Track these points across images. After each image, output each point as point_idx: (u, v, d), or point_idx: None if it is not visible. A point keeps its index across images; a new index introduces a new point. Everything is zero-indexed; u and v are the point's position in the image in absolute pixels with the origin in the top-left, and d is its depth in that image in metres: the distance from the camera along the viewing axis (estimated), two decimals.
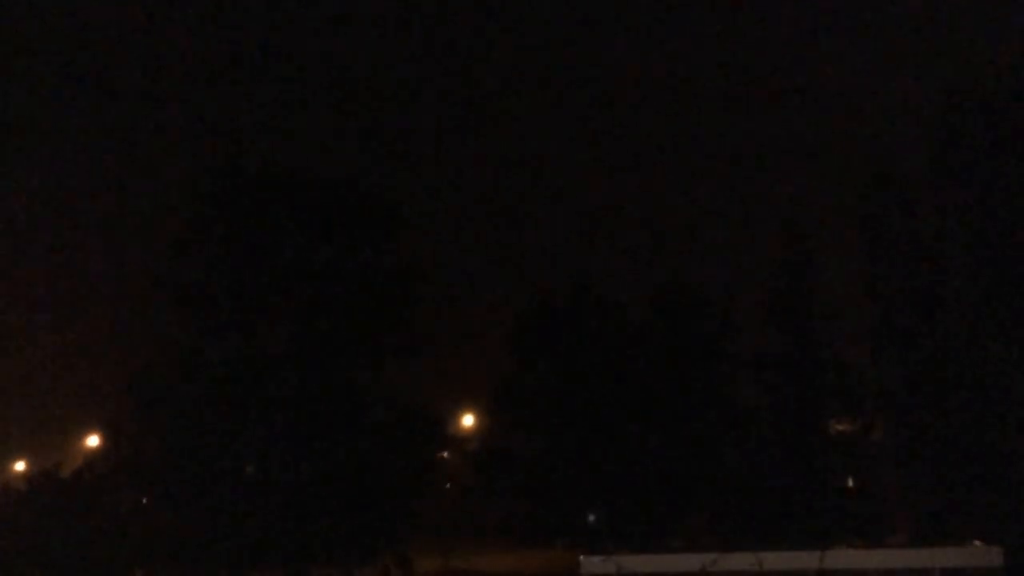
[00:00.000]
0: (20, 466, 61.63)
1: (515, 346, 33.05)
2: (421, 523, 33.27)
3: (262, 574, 30.79)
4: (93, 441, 51.55)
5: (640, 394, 30.91)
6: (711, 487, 29.60)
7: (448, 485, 41.47)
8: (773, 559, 18.88)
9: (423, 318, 32.85)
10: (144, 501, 30.65)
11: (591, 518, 30.18)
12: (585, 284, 33.77)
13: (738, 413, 31.28)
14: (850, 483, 30.78)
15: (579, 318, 32.61)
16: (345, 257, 31.79)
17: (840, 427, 30.98)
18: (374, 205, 32.62)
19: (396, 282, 32.04)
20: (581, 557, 19.37)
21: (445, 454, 36.99)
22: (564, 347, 31.99)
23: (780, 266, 31.23)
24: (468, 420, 47.13)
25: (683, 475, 29.82)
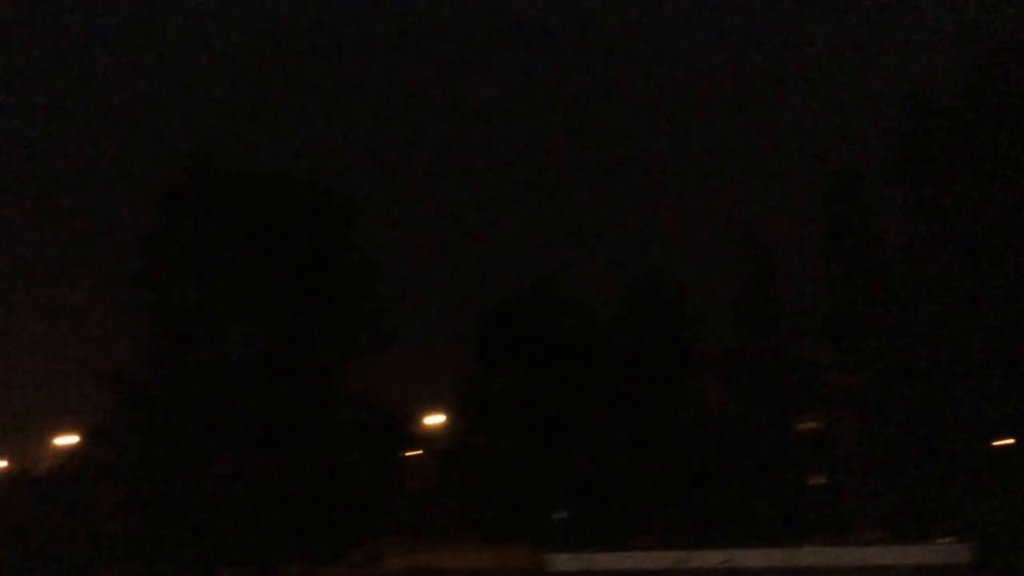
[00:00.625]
0: (1, 464, 60.95)
1: (480, 345, 33.20)
2: (389, 521, 33.40)
3: (234, 571, 30.77)
4: (69, 440, 51.08)
5: (607, 392, 31.14)
6: (679, 485, 29.83)
7: (413, 484, 41.53)
8: (743, 556, 19.01)
9: (387, 315, 33.00)
10: (118, 499, 30.47)
11: (558, 515, 30.31)
12: (550, 283, 33.97)
13: (705, 411, 31.62)
14: (818, 480, 31.16)
15: (545, 317, 32.76)
16: (306, 253, 31.88)
17: (806, 425, 31.36)
18: (332, 202, 32.78)
19: (356, 275, 32.19)
20: (545, 555, 19.39)
21: (412, 453, 37.08)
22: (530, 345, 32.14)
23: (744, 266, 31.62)
24: (436, 419, 47.15)
25: (651, 473, 30.02)
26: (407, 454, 36.14)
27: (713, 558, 18.32)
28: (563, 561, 18.04)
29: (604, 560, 18.23)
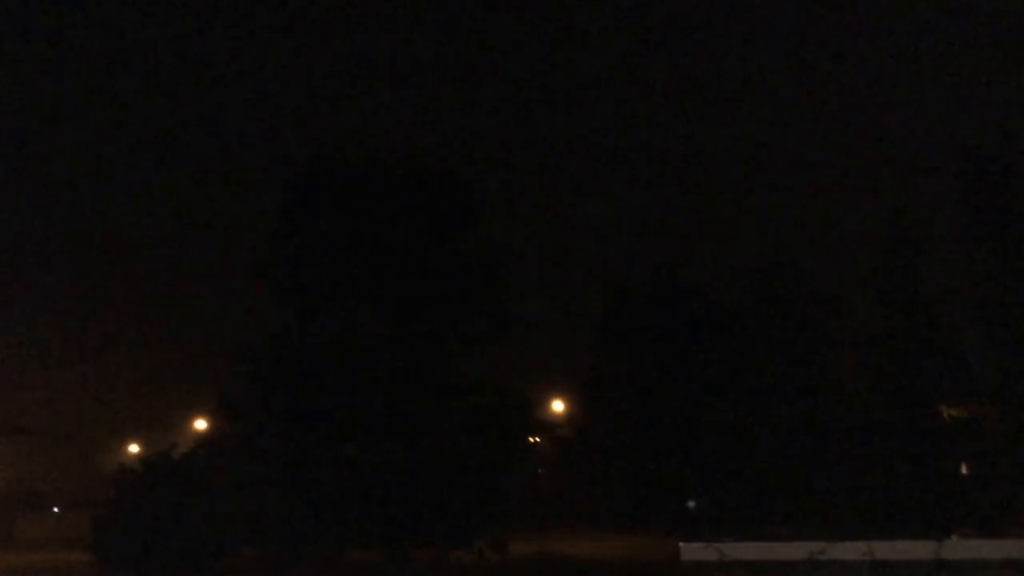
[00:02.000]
0: (134, 448, 63.87)
1: (603, 331, 32.74)
2: (514, 507, 33.32)
3: (363, 555, 31.21)
4: (201, 425, 53.07)
5: (739, 379, 30.31)
6: (816, 473, 28.87)
7: (540, 470, 41.42)
8: (885, 549, 17.98)
9: (511, 302, 32.97)
10: (249, 481, 31.29)
11: (691, 504, 29.72)
12: (675, 268, 33.22)
13: (845, 398, 30.45)
14: (964, 470, 29.75)
15: (672, 302, 32.05)
16: (429, 239, 32.08)
17: (953, 412, 29.94)
18: (457, 189, 32.92)
19: (481, 265, 32.22)
20: (681, 544, 18.80)
21: (536, 439, 36.98)
22: (657, 332, 31.51)
23: (887, 246, 30.31)
24: (558, 406, 46.98)
25: (786, 461, 29.15)
26: (531, 441, 36.10)
27: (852, 550, 17.35)
28: (697, 550, 17.39)
29: (739, 550, 17.51)
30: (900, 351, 29.37)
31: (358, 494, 29.71)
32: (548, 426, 37.10)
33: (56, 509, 66.13)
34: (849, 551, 17.46)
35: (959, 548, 17.70)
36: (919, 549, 17.23)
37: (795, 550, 18.06)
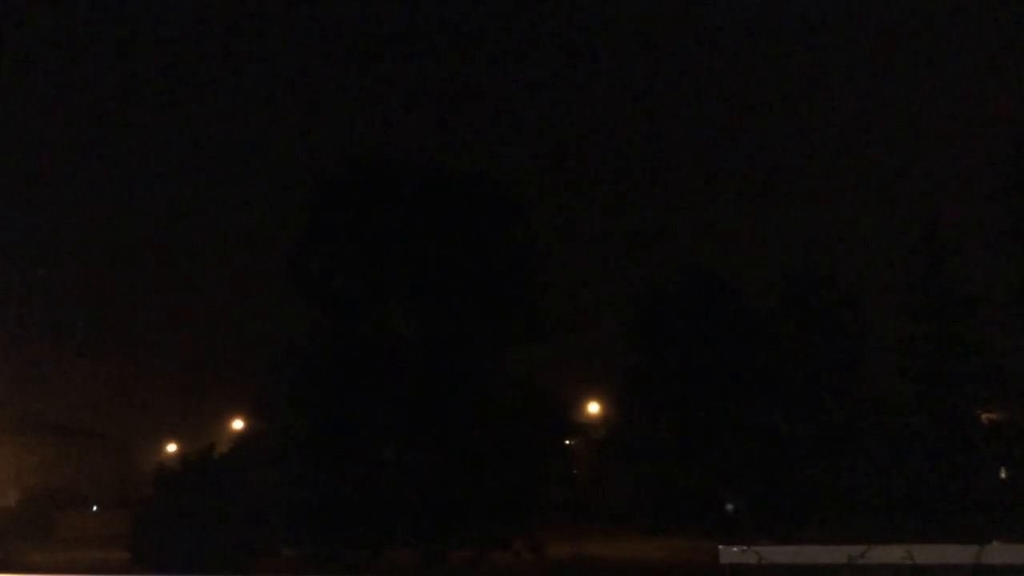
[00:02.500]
0: (172, 447, 64.66)
1: (639, 332, 32.66)
2: (551, 509, 33.33)
3: (399, 555, 31.35)
4: (239, 424, 53.63)
5: (776, 381, 30.15)
6: (854, 477, 28.69)
7: (575, 472, 41.37)
8: (925, 553, 17.81)
9: (546, 304, 33.00)
10: (286, 480, 31.58)
11: (729, 507, 29.61)
12: (710, 269, 33.10)
13: (882, 402, 30.25)
14: (1003, 474, 29.46)
15: (708, 304, 31.92)
16: (466, 241, 32.15)
17: (990, 416, 29.65)
18: (491, 189, 33.00)
19: (516, 265, 32.28)
20: (719, 547, 18.67)
21: (571, 441, 36.97)
22: (692, 333, 31.39)
23: (921, 248, 30.08)
24: (594, 407, 47.00)
25: (824, 464, 28.99)
26: (567, 442, 36.10)
27: (892, 554, 17.16)
28: (735, 554, 17.28)
29: (778, 553, 17.39)
30: (936, 354, 29.15)
31: (394, 495, 29.87)
32: (584, 428, 37.12)
33: (95, 508, 66.91)
34: (889, 555, 17.36)
35: (999, 553, 17.57)
36: (959, 554, 17.10)
37: (834, 554, 17.98)
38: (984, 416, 29.79)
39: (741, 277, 34.31)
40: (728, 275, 33.35)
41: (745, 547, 18.26)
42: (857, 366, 31.01)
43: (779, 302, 32.23)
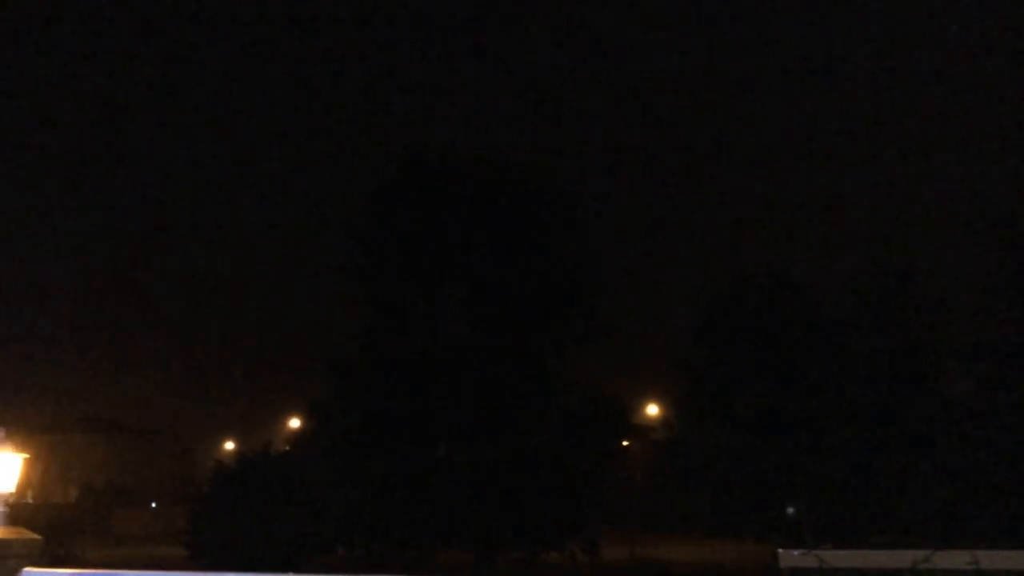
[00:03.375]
0: (230, 445, 65.43)
1: (703, 334, 32.09)
2: (607, 511, 33.04)
3: (452, 555, 31.27)
4: (295, 423, 54.06)
5: (840, 384, 29.37)
6: (920, 481, 27.82)
7: (627, 476, 40.99)
8: (992, 558, 17.21)
9: (606, 304, 32.66)
10: (339, 480, 31.63)
11: (790, 510, 28.96)
12: (782, 270, 32.30)
13: (950, 405, 29.29)
14: None
15: (777, 305, 31.16)
16: (523, 241, 31.95)
17: None
18: (553, 191, 32.76)
19: (575, 266, 32.01)
20: (779, 550, 18.18)
21: (628, 443, 36.61)
22: (759, 335, 30.70)
23: (998, 250, 29.03)
24: (652, 410, 46.52)
25: (888, 468, 28.15)
26: (624, 444, 35.73)
27: (957, 559, 16.57)
28: (796, 557, 16.81)
29: (840, 558, 16.89)
30: (1011, 359, 28.15)
31: (449, 495, 29.74)
32: (641, 430, 36.72)
33: (153, 504, 67.92)
34: (954, 560, 16.76)
35: None
36: None
37: (898, 558, 17.40)
38: None
39: (812, 277, 33.21)
40: (799, 275, 32.58)
41: (806, 551, 17.78)
42: (929, 370, 30.07)
43: (852, 304, 31.32)
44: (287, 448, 36.20)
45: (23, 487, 13.85)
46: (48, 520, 42.24)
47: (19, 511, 13.53)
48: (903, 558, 17.12)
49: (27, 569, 12.62)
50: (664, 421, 39.75)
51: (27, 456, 13.50)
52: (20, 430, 14.05)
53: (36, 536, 13.37)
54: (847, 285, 31.14)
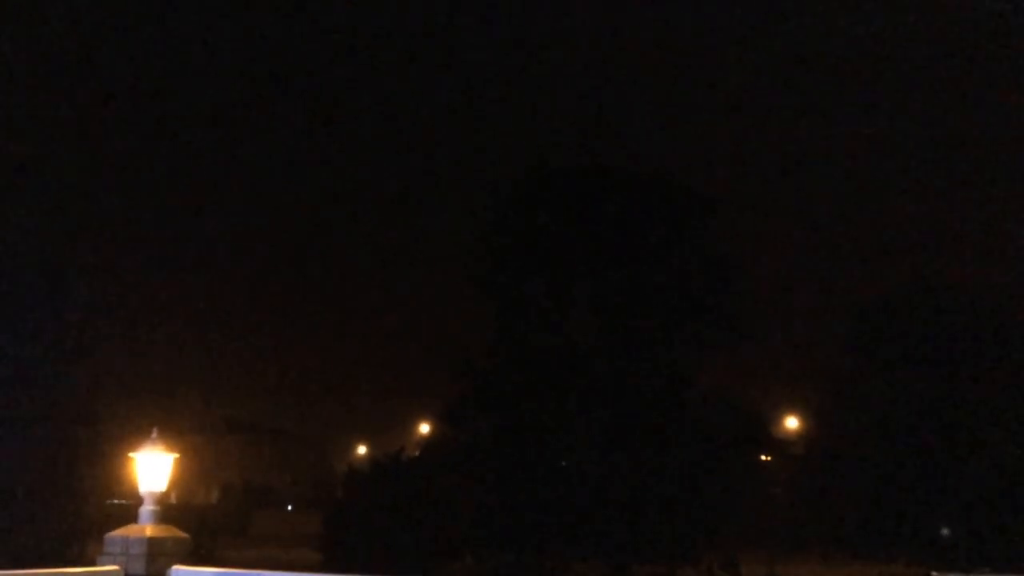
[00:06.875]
0: (362, 449, 66.34)
1: (853, 344, 30.60)
2: (745, 527, 32.00)
3: (586, 567, 30.68)
4: (425, 428, 54.30)
5: (1000, 401, 27.57)
6: None
7: (767, 491, 39.68)
8: None
9: (742, 310, 31.62)
10: (469, 487, 31.49)
11: (944, 531, 27.36)
12: (939, 280, 30.56)
13: None
14: None
15: (933, 314, 29.43)
16: (660, 249, 31.27)
17: None
18: (687, 196, 31.99)
19: (712, 272, 31.16)
20: (933, 573, 17.07)
21: (767, 457, 35.46)
22: (913, 345, 29.03)
23: None
24: (792, 423, 44.93)
25: None
26: (764, 457, 34.64)
27: None
28: None
29: None
30: None
31: (581, 504, 29.21)
32: (781, 443, 35.55)
33: (290, 507, 69.25)
34: None
35: None
36: None
37: None
38: None
39: (967, 287, 31.08)
40: (955, 284, 30.76)
41: (960, 575, 16.58)
42: None
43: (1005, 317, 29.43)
44: (417, 453, 36.25)
45: (171, 487, 14.00)
46: (192, 520, 43.38)
47: (166, 511, 13.65)
48: None
49: (176, 567, 12.78)
50: (804, 434, 38.37)
51: (177, 456, 13.59)
52: (170, 431, 14.21)
53: (185, 535, 13.52)
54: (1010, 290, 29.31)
